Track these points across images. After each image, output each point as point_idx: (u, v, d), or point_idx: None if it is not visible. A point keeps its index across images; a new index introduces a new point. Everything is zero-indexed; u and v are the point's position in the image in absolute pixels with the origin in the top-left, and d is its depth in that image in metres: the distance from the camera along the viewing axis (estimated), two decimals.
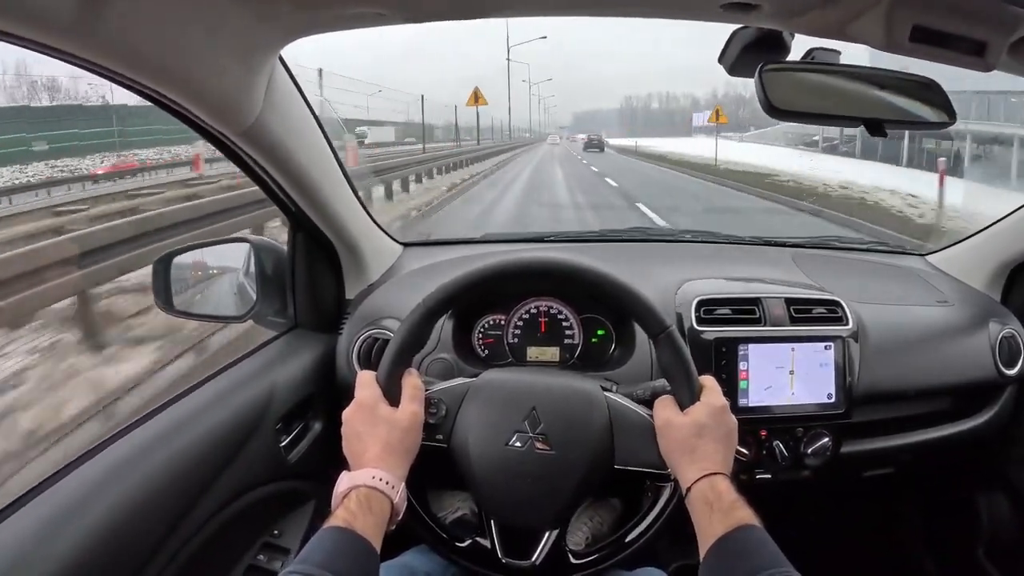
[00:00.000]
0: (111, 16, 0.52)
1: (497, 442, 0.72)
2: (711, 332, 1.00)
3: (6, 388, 2.99)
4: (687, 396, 0.71)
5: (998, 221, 1.23)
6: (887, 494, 1.42)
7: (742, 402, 0.98)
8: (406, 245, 1.30)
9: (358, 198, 1.08)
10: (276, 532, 0.92)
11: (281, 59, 0.78)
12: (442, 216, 8.97)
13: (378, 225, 1.20)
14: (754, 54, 0.69)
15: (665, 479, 0.73)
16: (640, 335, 0.98)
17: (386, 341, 0.91)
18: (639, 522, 0.75)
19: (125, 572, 0.65)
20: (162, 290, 1.01)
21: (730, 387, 0.97)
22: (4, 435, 2.61)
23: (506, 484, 0.72)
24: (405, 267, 1.21)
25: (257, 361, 0.98)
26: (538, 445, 0.72)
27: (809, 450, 1.02)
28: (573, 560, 0.75)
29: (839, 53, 0.68)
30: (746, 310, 1.03)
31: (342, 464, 0.69)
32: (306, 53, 0.83)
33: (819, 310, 1.04)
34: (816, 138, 24.06)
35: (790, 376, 1.00)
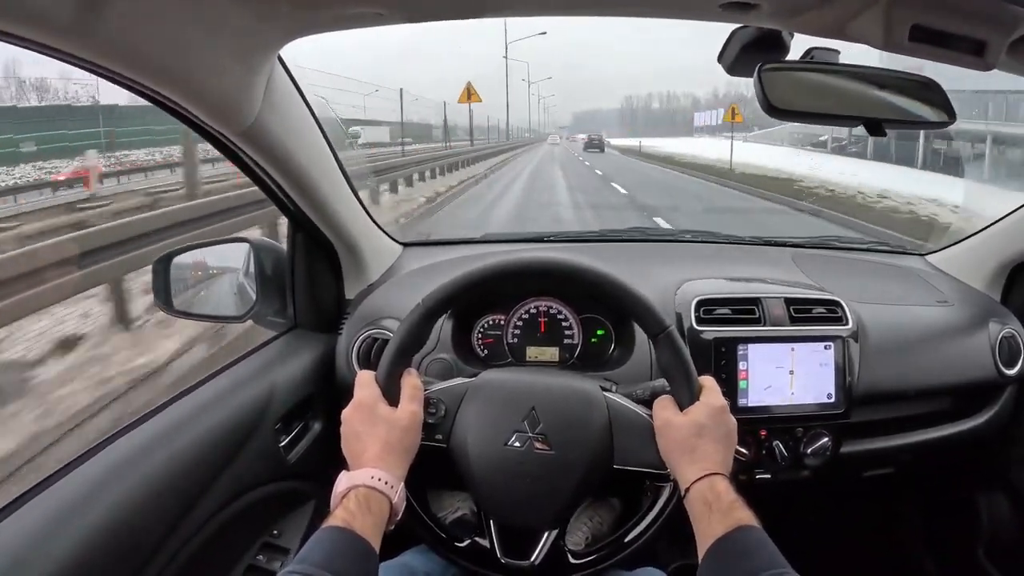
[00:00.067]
0: (111, 16, 0.52)
1: (496, 442, 0.72)
2: (711, 332, 1.00)
3: None
4: (687, 396, 0.71)
5: (998, 221, 1.23)
6: (887, 494, 1.42)
7: (742, 402, 0.98)
8: (406, 245, 1.30)
9: (358, 198, 1.08)
10: (276, 532, 0.92)
11: (280, 59, 0.78)
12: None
13: (378, 225, 1.20)
14: (753, 54, 0.69)
15: (664, 479, 0.73)
16: (640, 335, 0.98)
17: (385, 341, 0.91)
18: (638, 522, 0.75)
19: (125, 572, 0.65)
20: (162, 290, 1.02)
21: (730, 387, 0.97)
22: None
23: (505, 484, 0.72)
24: (405, 267, 1.21)
25: (257, 361, 0.98)
26: (537, 445, 0.72)
27: (809, 450, 1.02)
28: (572, 560, 0.75)
29: (838, 53, 0.68)
30: (746, 310, 1.03)
31: (341, 464, 0.69)
32: (304, 53, 0.83)
33: (819, 310, 1.04)
34: (824, 138, 23.09)
35: (790, 376, 1.00)
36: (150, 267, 1.02)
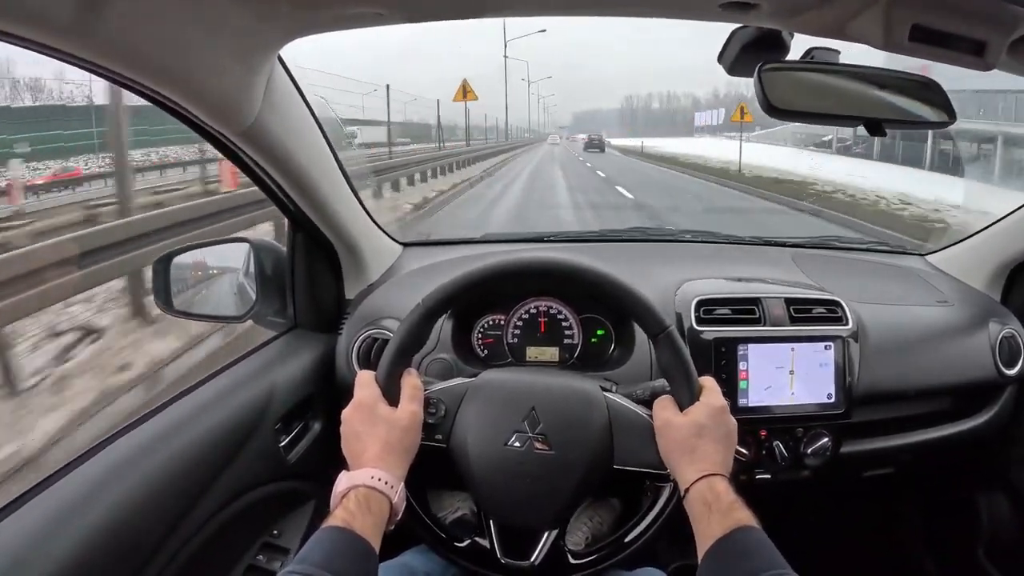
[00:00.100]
0: (111, 16, 0.52)
1: (496, 442, 0.72)
2: (711, 332, 1.00)
3: None
4: (687, 396, 0.71)
5: (998, 221, 1.23)
6: (887, 494, 1.42)
7: (742, 402, 0.98)
8: (406, 245, 1.30)
9: (358, 198, 1.08)
10: (276, 532, 0.92)
11: (280, 59, 0.78)
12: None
13: (378, 225, 1.20)
14: (753, 54, 0.69)
15: (664, 479, 0.73)
16: (640, 335, 0.98)
17: (385, 341, 0.91)
18: (638, 522, 0.75)
19: (125, 572, 0.65)
20: (162, 290, 1.02)
21: (730, 387, 0.97)
22: None
23: (505, 484, 0.72)
24: (405, 267, 1.21)
25: (257, 361, 0.98)
26: (537, 445, 0.72)
27: (809, 450, 1.01)
28: (572, 560, 0.75)
29: (839, 52, 0.68)
30: (746, 310, 1.03)
31: (341, 464, 0.69)
32: (304, 53, 0.83)
33: (819, 310, 1.04)
34: (827, 138, 22.38)
35: (790, 376, 1.00)
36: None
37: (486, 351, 1.06)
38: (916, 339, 1.11)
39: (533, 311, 1.05)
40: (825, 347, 1.01)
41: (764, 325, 1.01)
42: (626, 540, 0.75)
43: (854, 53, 0.66)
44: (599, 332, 1.05)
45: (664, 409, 0.71)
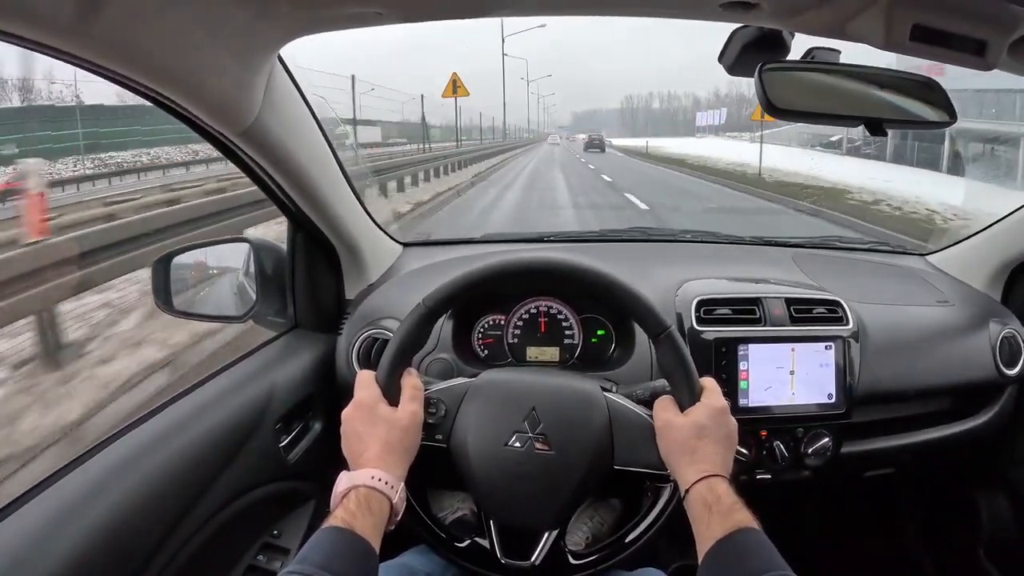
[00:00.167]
0: (111, 16, 0.52)
1: (496, 442, 0.72)
2: (711, 332, 1.00)
3: None
4: (687, 397, 0.71)
5: (998, 221, 1.23)
6: (887, 494, 1.42)
7: (742, 402, 0.98)
8: (406, 245, 1.30)
9: (358, 198, 1.08)
10: (276, 532, 0.92)
11: (280, 58, 0.78)
12: None
13: (378, 225, 1.20)
14: (754, 53, 0.69)
15: (665, 480, 0.73)
16: (640, 335, 0.98)
17: (386, 341, 0.91)
18: (639, 522, 0.75)
19: (125, 572, 0.65)
20: (162, 290, 1.01)
21: (730, 387, 0.97)
22: None
23: (505, 484, 0.72)
24: (405, 267, 1.21)
25: (257, 361, 0.98)
26: (537, 445, 0.72)
27: (809, 450, 1.01)
28: (573, 560, 0.74)
29: (839, 52, 0.68)
30: (746, 310, 1.03)
31: (342, 464, 0.69)
32: (304, 52, 0.83)
33: (819, 310, 1.04)
34: (835, 138, 21.33)
35: (790, 376, 1.00)
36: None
37: (486, 351, 1.06)
38: (917, 339, 1.11)
39: (533, 311, 1.05)
40: (826, 347, 1.01)
41: (764, 325, 1.01)
42: (626, 540, 0.75)
43: (856, 53, 0.66)
44: (599, 332, 1.05)
45: (664, 410, 0.71)
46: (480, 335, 1.06)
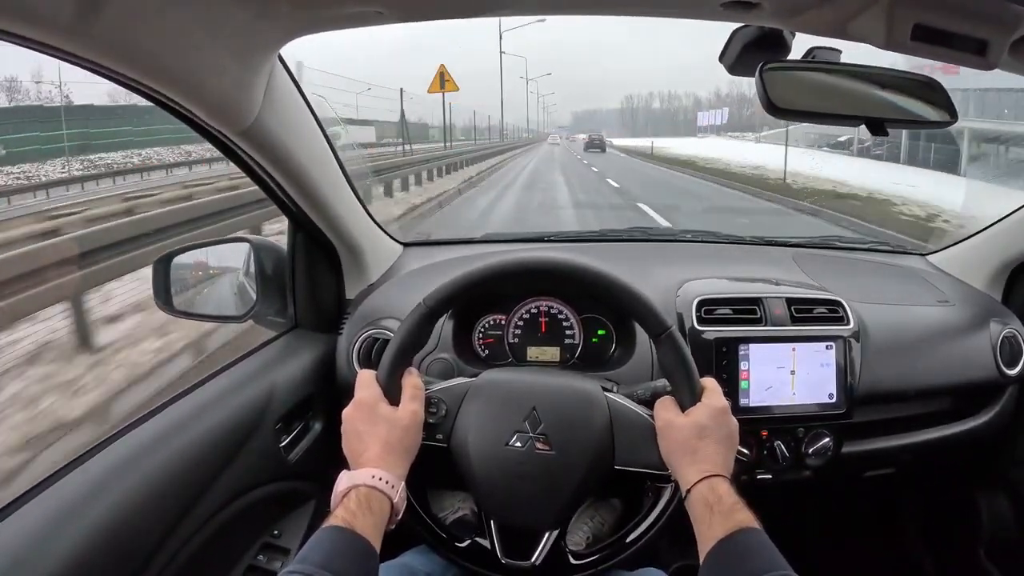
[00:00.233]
0: (111, 15, 0.51)
1: (497, 442, 0.72)
2: (712, 332, 1.00)
3: None
4: (688, 397, 0.71)
5: (999, 221, 1.23)
6: (888, 494, 1.42)
7: (743, 402, 0.98)
8: (406, 245, 1.30)
9: (358, 198, 1.08)
10: (276, 532, 0.92)
11: (280, 58, 0.78)
12: None
13: (378, 225, 1.20)
14: (755, 53, 0.69)
15: (666, 480, 0.73)
16: (641, 335, 0.98)
17: (386, 341, 0.91)
18: (640, 522, 0.75)
19: (125, 572, 0.65)
20: (162, 290, 1.02)
21: (731, 387, 0.97)
22: None
23: (506, 484, 0.72)
24: (405, 267, 1.21)
25: (257, 361, 0.98)
26: (538, 445, 0.72)
27: (810, 450, 1.01)
28: (573, 560, 0.74)
29: (840, 52, 0.68)
30: (747, 310, 1.03)
31: (342, 464, 0.69)
32: (303, 51, 0.82)
33: (820, 310, 1.04)
34: (844, 139, 20.20)
35: (791, 376, 1.00)
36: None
37: (487, 351, 1.06)
38: (917, 339, 1.11)
39: (534, 311, 1.05)
40: (826, 347, 1.01)
41: (765, 325, 1.01)
42: (627, 540, 0.75)
43: (857, 53, 0.66)
44: (600, 332, 1.05)
45: (665, 410, 0.71)
46: (481, 335, 1.06)
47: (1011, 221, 1.21)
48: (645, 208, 8.90)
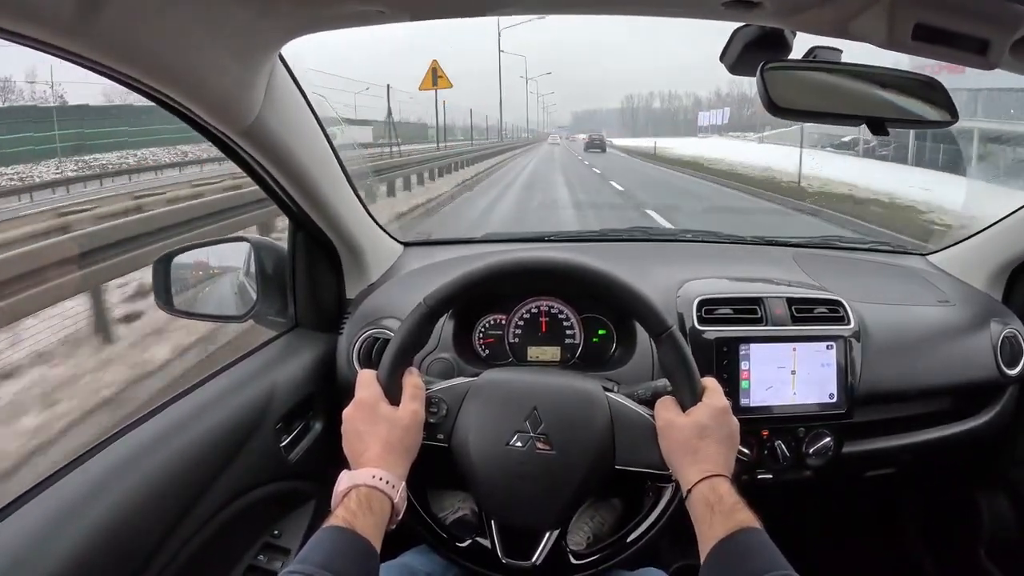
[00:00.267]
0: (111, 15, 0.51)
1: (498, 442, 0.72)
2: (712, 332, 1.00)
3: None
4: (689, 397, 0.71)
5: (999, 221, 1.23)
6: (888, 494, 1.42)
7: (744, 402, 0.98)
8: (406, 245, 1.30)
9: (358, 197, 1.08)
10: (276, 532, 0.92)
11: (281, 57, 0.78)
12: None
13: (378, 225, 1.20)
14: (756, 52, 0.69)
15: (666, 480, 0.73)
16: (641, 335, 0.98)
17: (386, 341, 0.91)
18: (640, 522, 0.75)
19: (125, 572, 0.65)
20: (162, 290, 1.02)
21: (732, 387, 0.97)
22: None
23: (507, 484, 0.72)
24: (405, 267, 1.21)
25: (257, 361, 0.98)
26: (539, 445, 0.71)
27: (811, 450, 1.01)
28: (574, 560, 0.74)
29: (841, 52, 0.68)
30: (747, 310, 1.03)
31: (342, 464, 0.69)
32: (304, 51, 0.83)
33: (821, 310, 1.04)
34: (848, 139, 19.47)
35: (792, 376, 1.00)
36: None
37: (487, 351, 1.06)
38: (918, 339, 1.11)
39: (534, 311, 1.05)
40: (827, 347, 1.01)
41: (766, 325, 1.01)
42: (628, 540, 0.74)
43: (857, 53, 0.66)
44: (600, 332, 1.05)
45: (666, 409, 0.71)
46: (481, 335, 1.06)
47: (1011, 221, 1.21)
48: (652, 214, 8.61)
